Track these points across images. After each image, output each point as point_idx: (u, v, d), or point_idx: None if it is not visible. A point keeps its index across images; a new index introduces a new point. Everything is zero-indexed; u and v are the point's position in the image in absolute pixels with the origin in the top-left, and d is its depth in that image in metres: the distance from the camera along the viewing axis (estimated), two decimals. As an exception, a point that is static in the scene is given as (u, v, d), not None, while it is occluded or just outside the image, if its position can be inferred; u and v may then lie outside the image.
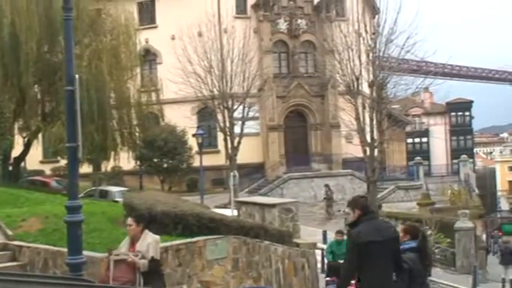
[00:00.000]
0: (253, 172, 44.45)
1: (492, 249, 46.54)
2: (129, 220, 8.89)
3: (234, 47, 37.77)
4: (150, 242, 8.59)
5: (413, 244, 8.53)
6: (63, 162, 37.74)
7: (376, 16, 36.92)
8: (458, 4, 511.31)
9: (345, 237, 11.43)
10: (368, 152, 31.08)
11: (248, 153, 42.44)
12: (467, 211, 30.12)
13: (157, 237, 8.86)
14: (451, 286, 23.05)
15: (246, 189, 40.62)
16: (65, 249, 10.09)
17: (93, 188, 35.06)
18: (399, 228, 8.92)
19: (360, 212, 7.31)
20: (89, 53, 30.72)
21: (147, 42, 46.43)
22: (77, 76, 9.18)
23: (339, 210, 38.27)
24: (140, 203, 15.98)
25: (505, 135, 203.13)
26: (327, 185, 39.57)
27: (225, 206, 30.24)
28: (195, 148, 36.83)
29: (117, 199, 27.94)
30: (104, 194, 32.22)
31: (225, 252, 14.01)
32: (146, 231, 8.75)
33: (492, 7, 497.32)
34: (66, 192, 18.04)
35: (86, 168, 39.98)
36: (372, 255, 7.06)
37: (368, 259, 7.03)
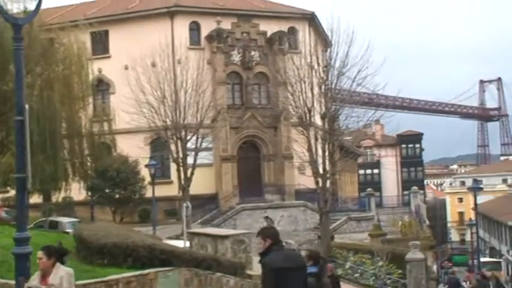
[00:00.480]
0: (207, 203, 44.23)
1: (443, 280, 47.16)
2: (40, 253, 8.49)
3: (188, 78, 37.78)
4: (62, 275, 8.28)
5: (313, 269, 8.79)
6: (12, 192, 36.98)
7: (328, 49, 37.50)
8: (409, 39, 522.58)
9: None
10: (320, 183, 31.27)
11: (201, 184, 42.28)
12: (418, 242, 30.41)
13: (70, 270, 8.52)
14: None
15: (199, 220, 40.36)
16: (13, 282, 9.89)
17: (43, 218, 34.46)
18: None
19: (271, 241, 7.56)
20: (40, 82, 30.31)
21: (100, 72, 46.23)
22: (27, 106, 9.08)
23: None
24: (90, 234, 15.81)
25: (454, 167, 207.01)
26: (267, 217, 39.54)
27: (177, 237, 29.98)
28: (148, 179, 36.53)
29: (67, 230, 27.52)
30: (54, 225, 31.71)
31: (176, 285, 13.92)
32: (58, 264, 8.42)
33: (442, 41, 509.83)
34: (15, 223, 17.66)
35: (36, 199, 39.35)
36: (286, 282, 7.32)
37: (281, 285, 7.29)
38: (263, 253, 7.62)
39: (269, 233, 7.74)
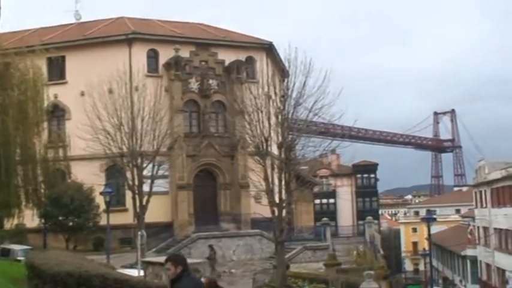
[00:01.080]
0: (162, 231, 43.93)
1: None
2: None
3: (145, 105, 37.64)
4: None
5: None
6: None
7: (286, 79, 37.86)
8: (365, 71, 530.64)
9: None
10: (276, 213, 31.26)
11: (157, 212, 41.98)
12: (372, 272, 30.58)
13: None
14: None
15: (154, 249, 40.02)
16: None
17: (-5, 246, 33.75)
18: None
19: (182, 268, 7.88)
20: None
21: (56, 97, 45.82)
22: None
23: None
24: (42, 263, 15.56)
25: (409, 197, 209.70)
26: (210, 245, 39.40)
27: (131, 266, 29.65)
28: (103, 206, 36.12)
29: (19, 258, 27.01)
30: (6, 253, 31.11)
31: (129, 314, 13.76)
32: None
33: (398, 73, 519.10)
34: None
35: (-13, 226, 38.65)
36: None
37: None
38: (174, 280, 7.80)
39: (180, 260, 7.99)
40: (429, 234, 35.85)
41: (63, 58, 47.84)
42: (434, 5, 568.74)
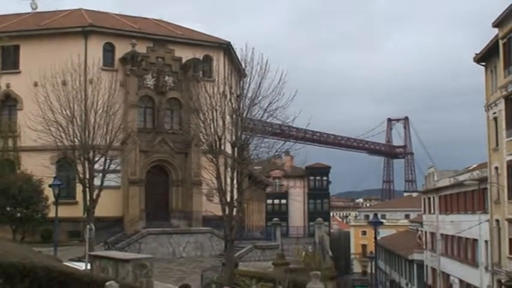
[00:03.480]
0: (112, 226, 43.64)
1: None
2: None
3: (99, 99, 37.26)
4: None
5: None
6: None
7: (242, 79, 38.00)
8: (323, 73, 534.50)
9: None
10: (227, 211, 31.42)
11: (107, 206, 41.70)
12: (319, 273, 30.93)
13: None
14: None
15: (102, 243, 39.73)
16: None
17: None
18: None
19: None
20: None
21: (8, 87, 45.21)
22: None
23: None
24: (-14, 253, 15.40)
25: (360, 200, 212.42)
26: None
27: (79, 260, 29.43)
28: (52, 198, 35.68)
29: (-38, 249, 26.52)
30: (-51, 243, 30.52)
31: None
32: None
33: (354, 80, 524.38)
34: None
35: None
36: None
37: None
38: None
39: None
40: (375, 238, 36.47)
41: (17, 47, 47.15)
42: (399, 10, 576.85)
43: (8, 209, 39.61)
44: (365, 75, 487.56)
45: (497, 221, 41.67)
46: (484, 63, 44.57)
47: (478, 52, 44.14)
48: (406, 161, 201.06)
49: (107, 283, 9.73)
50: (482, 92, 45.08)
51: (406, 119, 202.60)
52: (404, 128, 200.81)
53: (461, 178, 51.25)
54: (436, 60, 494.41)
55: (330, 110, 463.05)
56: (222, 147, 32.90)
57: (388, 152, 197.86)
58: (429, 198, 64.25)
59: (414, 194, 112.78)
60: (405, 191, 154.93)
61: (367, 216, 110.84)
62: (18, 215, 40.06)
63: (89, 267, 22.24)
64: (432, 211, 62.34)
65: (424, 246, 65.00)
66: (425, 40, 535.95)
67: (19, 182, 39.60)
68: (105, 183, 37.25)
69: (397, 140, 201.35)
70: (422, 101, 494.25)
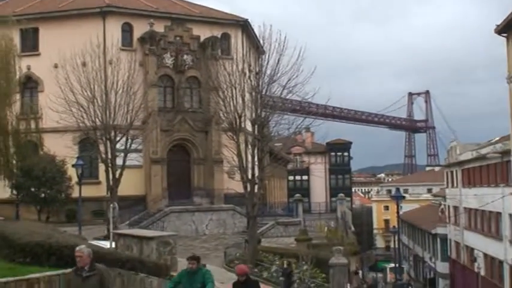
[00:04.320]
0: (135, 204, 44.02)
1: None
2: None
3: (119, 79, 37.47)
4: None
5: None
6: None
7: (261, 56, 37.87)
8: (342, 51, 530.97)
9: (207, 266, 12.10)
10: (249, 188, 31.56)
11: (130, 185, 42.03)
12: (341, 248, 31.07)
13: None
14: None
15: (127, 222, 40.14)
16: None
17: (-35, 216, 33.61)
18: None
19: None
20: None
21: (28, 69, 45.47)
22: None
23: None
24: (13, 233, 15.66)
25: (382, 175, 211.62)
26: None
27: (104, 238, 29.76)
28: (75, 178, 36.06)
29: (-10, 229, 26.91)
30: (-24, 224, 31.00)
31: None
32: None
33: (374, 54, 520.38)
34: None
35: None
36: None
37: None
38: None
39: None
40: (397, 212, 36.44)
41: (36, 30, 47.31)
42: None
43: (32, 189, 40.08)
44: (386, 50, 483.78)
45: (521, 193, 41.32)
46: (505, 34, 43.92)
47: (498, 23, 43.50)
48: (428, 135, 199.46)
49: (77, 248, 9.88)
50: (504, 64, 44.49)
51: (427, 93, 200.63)
52: (426, 102, 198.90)
53: (483, 151, 50.76)
54: (457, 34, 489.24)
55: (350, 85, 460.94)
56: (242, 125, 32.98)
57: (410, 127, 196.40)
58: (452, 172, 63.81)
59: (436, 168, 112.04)
60: (427, 166, 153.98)
61: (389, 191, 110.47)
62: (43, 195, 40.52)
63: (113, 245, 22.49)
64: (455, 185, 61.92)
65: (448, 220, 64.74)
66: (445, 13, 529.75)
67: (42, 163, 39.99)
68: (127, 163, 37.56)
69: (419, 114, 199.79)
70: (443, 74, 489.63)
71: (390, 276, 73.74)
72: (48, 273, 13.06)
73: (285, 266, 27.18)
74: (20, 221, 27.36)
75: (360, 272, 57.39)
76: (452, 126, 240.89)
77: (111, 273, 12.71)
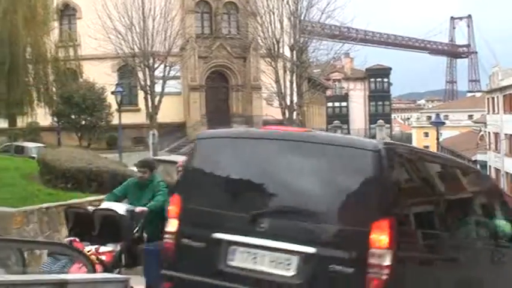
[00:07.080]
0: (174, 131, 44.29)
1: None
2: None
3: (156, 5, 37.19)
4: None
5: None
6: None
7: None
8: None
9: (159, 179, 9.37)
10: (287, 115, 31.52)
11: (169, 112, 42.20)
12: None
13: None
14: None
15: (167, 148, 40.48)
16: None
17: (9, 143, 34.30)
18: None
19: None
20: (3, 5, 29.66)
21: (66, -4, 45.31)
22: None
23: None
24: (54, 159, 15.87)
25: (422, 101, 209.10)
26: None
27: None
28: (115, 105, 36.34)
29: (33, 155, 27.49)
30: (20, 150, 31.68)
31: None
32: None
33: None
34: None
35: (2, 124, 39.12)
36: None
37: None
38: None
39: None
40: (437, 139, 36.12)
41: (73, -45, 46.90)
42: None
43: (73, 117, 40.52)
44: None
45: None
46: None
47: None
48: (470, 61, 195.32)
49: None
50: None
51: (470, 17, 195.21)
52: (468, 26, 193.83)
53: (527, 76, 49.63)
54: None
55: (390, 10, 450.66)
56: (281, 51, 32.67)
57: (451, 52, 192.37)
58: (493, 98, 62.65)
59: (478, 94, 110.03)
60: (469, 91, 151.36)
61: (429, 118, 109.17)
62: (83, 122, 40.99)
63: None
64: (496, 111, 60.90)
65: (488, 147, 64.02)
66: None
67: (82, 90, 40.26)
68: (166, 90, 37.67)
69: (461, 39, 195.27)
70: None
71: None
72: (89, 198, 13.25)
73: None
74: (61, 148, 27.71)
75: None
76: (495, 51, 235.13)
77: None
